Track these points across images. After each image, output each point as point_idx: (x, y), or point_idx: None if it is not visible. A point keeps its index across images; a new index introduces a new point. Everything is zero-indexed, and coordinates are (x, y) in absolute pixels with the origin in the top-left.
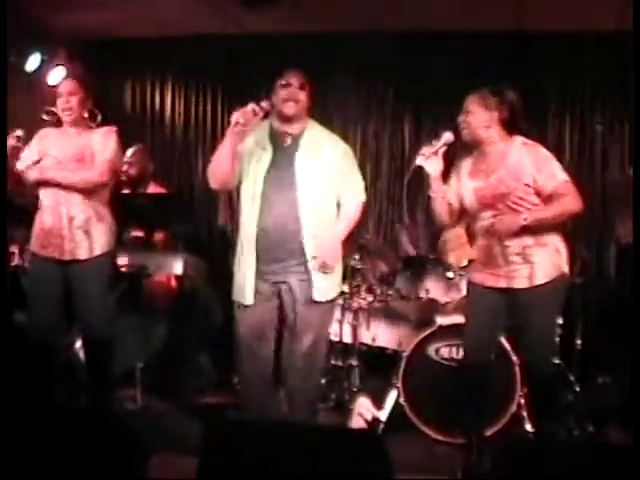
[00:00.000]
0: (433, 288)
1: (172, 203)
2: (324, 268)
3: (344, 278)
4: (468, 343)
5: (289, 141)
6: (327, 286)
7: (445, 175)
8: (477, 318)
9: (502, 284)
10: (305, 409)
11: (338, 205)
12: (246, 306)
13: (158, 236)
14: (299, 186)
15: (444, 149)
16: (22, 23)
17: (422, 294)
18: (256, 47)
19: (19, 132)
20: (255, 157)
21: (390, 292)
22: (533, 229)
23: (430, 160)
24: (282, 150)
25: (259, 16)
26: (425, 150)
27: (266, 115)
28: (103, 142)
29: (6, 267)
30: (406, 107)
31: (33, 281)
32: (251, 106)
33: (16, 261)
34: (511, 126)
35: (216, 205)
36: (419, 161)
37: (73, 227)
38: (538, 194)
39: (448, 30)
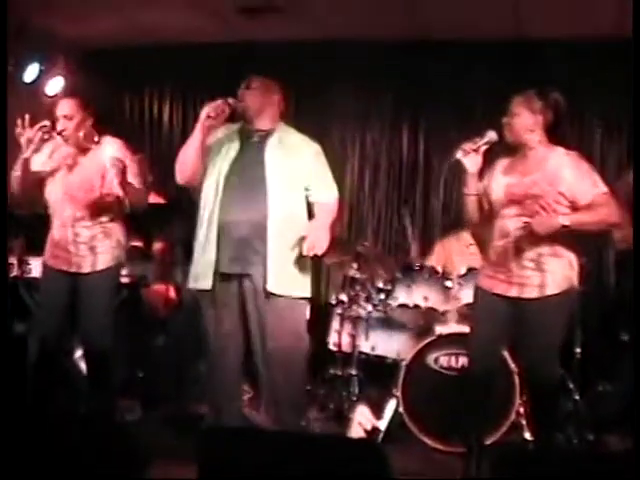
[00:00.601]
0: (432, 297)
1: (170, 213)
2: (313, 252)
3: (342, 287)
4: (473, 351)
5: (256, 138)
6: (287, 280)
7: (481, 174)
8: (483, 326)
9: (512, 293)
10: (289, 415)
11: (309, 206)
12: (205, 291)
13: (157, 246)
14: (268, 180)
15: (485, 147)
16: (21, 33)
17: (421, 303)
18: (253, 56)
19: (46, 122)
20: (222, 152)
21: (389, 301)
22: (553, 238)
23: (470, 156)
24: (250, 146)
25: (258, 25)
26: (466, 146)
27: (232, 117)
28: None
29: (7, 274)
30: (404, 115)
31: (44, 291)
32: (221, 100)
33: (15, 272)
34: (554, 131)
35: None
36: (459, 155)
37: (77, 242)
38: (572, 204)
39: (447, 38)
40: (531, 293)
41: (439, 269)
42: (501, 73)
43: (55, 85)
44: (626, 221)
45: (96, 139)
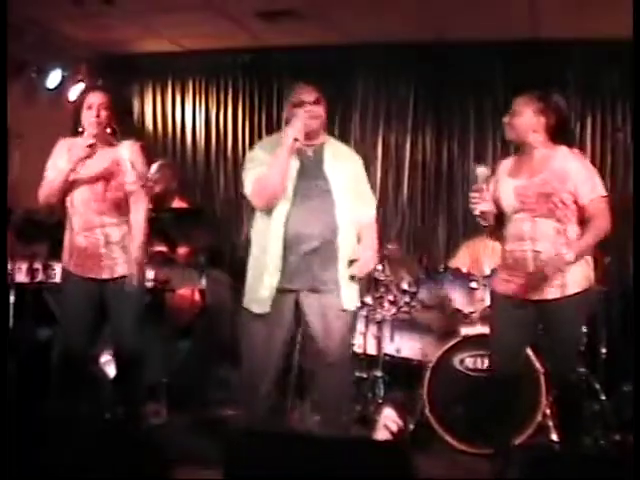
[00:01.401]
0: (457, 298)
1: (195, 218)
2: (362, 272)
3: (367, 290)
4: (496, 356)
5: (310, 152)
6: (354, 294)
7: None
8: (504, 330)
9: (533, 296)
10: (338, 423)
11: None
12: (260, 315)
13: (181, 251)
14: (334, 195)
15: (486, 187)
16: (43, 39)
17: (446, 304)
18: (275, 60)
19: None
20: None
21: (413, 303)
22: (567, 237)
23: (481, 203)
24: (307, 161)
25: (277, 29)
26: (474, 198)
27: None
28: (126, 155)
29: (6, 271)
30: (427, 117)
31: (67, 298)
32: (301, 122)
33: (40, 277)
34: (556, 134)
35: (238, 219)
36: (480, 208)
37: (110, 245)
38: (576, 203)
39: (466, 40)
40: (553, 294)
41: (464, 270)
42: (520, 73)
43: (77, 91)
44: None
45: (117, 139)
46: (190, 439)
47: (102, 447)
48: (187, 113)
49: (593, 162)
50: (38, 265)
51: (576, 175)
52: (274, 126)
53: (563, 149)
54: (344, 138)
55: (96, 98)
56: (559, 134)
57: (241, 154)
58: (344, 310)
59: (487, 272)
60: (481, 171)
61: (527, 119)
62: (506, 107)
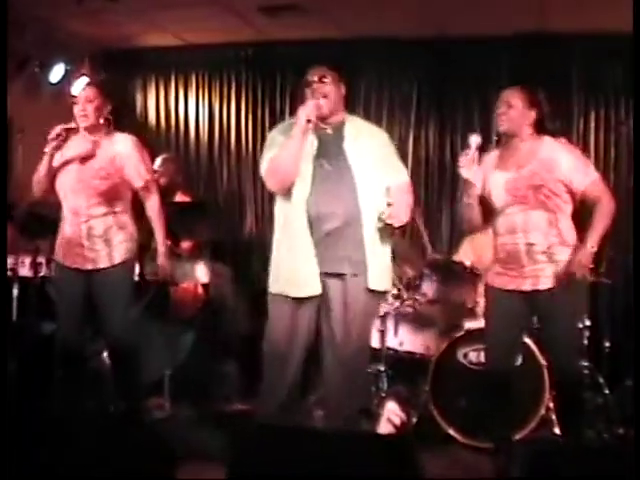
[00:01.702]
0: (460, 292)
1: (198, 211)
2: (393, 219)
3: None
4: (491, 349)
5: (330, 131)
6: (384, 275)
7: None
8: (499, 323)
9: (527, 286)
10: (348, 418)
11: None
12: (311, 297)
13: (184, 244)
14: (355, 173)
15: (477, 153)
16: (45, 34)
17: (449, 298)
18: (278, 54)
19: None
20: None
21: (417, 297)
22: (558, 227)
23: (469, 169)
24: (326, 139)
25: (280, 23)
26: (462, 161)
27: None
28: (130, 152)
29: (6, 269)
30: (430, 112)
31: (58, 290)
32: (314, 102)
33: (44, 271)
34: (539, 127)
35: (241, 213)
36: (464, 174)
37: (92, 237)
38: (570, 192)
39: (470, 34)
40: (546, 284)
41: (467, 264)
42: (525, 67)
43: (80, 85)
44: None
45: (112, 130)
46: (194, 433)
47: (105, 440)
48: (190, 107)
49: (596, 156)
50: (41, 259)
51: (566, 164)
52: (277, 120)
53: (547, 139)
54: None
55: (82, 92)
56: (544, 127)
57: (244, 148)
58: (371, 291)
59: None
60: (474, 139)
61: (520, 111)
62: None
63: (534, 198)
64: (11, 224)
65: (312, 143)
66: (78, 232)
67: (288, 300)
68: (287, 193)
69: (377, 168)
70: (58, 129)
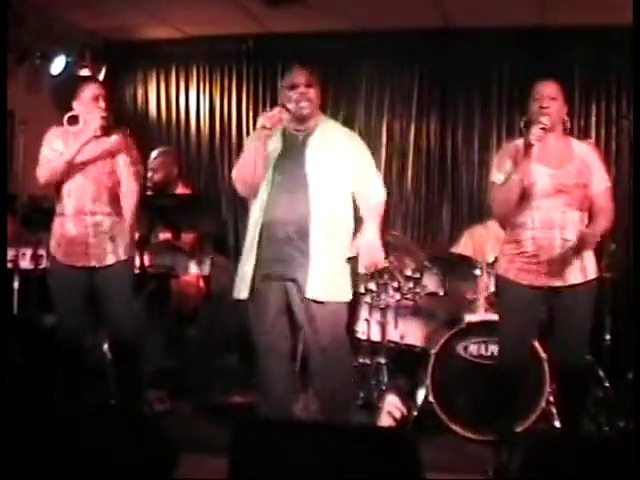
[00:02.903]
0: (460, 285)
1: (199, 204)
2: (374, 268)
3: (371, 276)
4: (505, 344)
5: (300, 137)
6: (330, 285)
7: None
8: (516, 318)
9: (557, 283)
10: (336, 410)
11: (354, 202)
12: (241, 301)
13: (185, 237)
14: (310, 182)
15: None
16: (46, 26)
17: (449, 291)
18: (279, 47)
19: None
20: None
21: (417, 290)
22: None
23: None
24: (293, 147)
25: (282, 15)
26: (536, 130)
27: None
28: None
29: (6, 267)
30: (431, 103)
31: (57, 286)
32: (278, 109)
33: (44, 264)
34: (565, 126)
35: (242, 205)
36: (534, 144)
37: (99, 233)
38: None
39: (472, 26)
40: (575, 279)
41: (467, 257)
42: (526, 61)
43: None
44: None
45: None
46: (194, 426)
47: (106, 434)
48: (191, 100)
49: (597, 149)
50: (42, 252)
51: (594, 166)
52: None
53: (574, 140)
54: (348, 124)
55: (101, 90)
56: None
57: (245, 141)
58: (313, 300)
59: (490, 259)
60: (544, 119)
61: (561, 106)
62: (510, 93)
63: (577, 196)
64: (12, 216)
65: (276, 148)
66: (84, 231)
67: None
68: (255, 197)
69: (341, 176)
70: (97, 124)
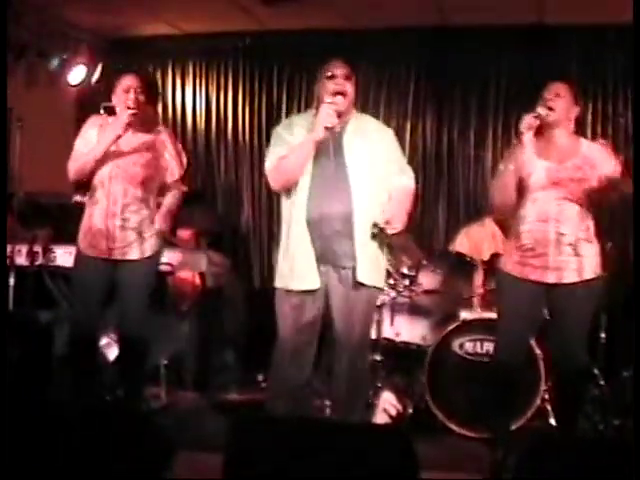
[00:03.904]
0: (456, 282)
1: (195, 201)
2: (388, 225)
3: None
4: (503, 338)
5: (337, 129)
6: (374, 269)
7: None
8: (514, 312)
9: (550, 279)
10: (353, 410)
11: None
12: (307, 291)
13: (182, 234)
14: (350, 173)
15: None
16: (45, 23)
17: (445, 289)
18: (275, 44)
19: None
20: None
21: (413, 287)
22: (587, 222)
23: (529, 132)
24: (329, 139)
25: (279, 13)
26: (527, 123)
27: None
28: (167, 144)
29: (6, 266)
30: (427, 102)
31: (79, 280)
32: (334, 109)
33: (40, 260)
34: (578, 126)
35: (238, 203)
36: (525, 135)
37: (126, 229)
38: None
39: (469, 23)
40: (571, 277)
41: (463, 255)
42: (524, 59)
43: (78, 74)
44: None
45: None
46: (191, 422)
47: (102, 430)
48: (187, 97)
49: (610, 149)
50: (38, 248)
51: (598, 161)
52: (274, 110)
53: (585, 140)
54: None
55: (133, 81)
56: (579, 127)
57: (241, 138)
58: (361, 284)
59: (486, 257)
60: (541, 110)
61: (568, 104)
62: (507, 91)
63: (573, 190)
64: (9, 213)
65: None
66: (112, 223)
67: (292, 294)
68: (289, 192)
69: (378, 167)
70: (125, 119)
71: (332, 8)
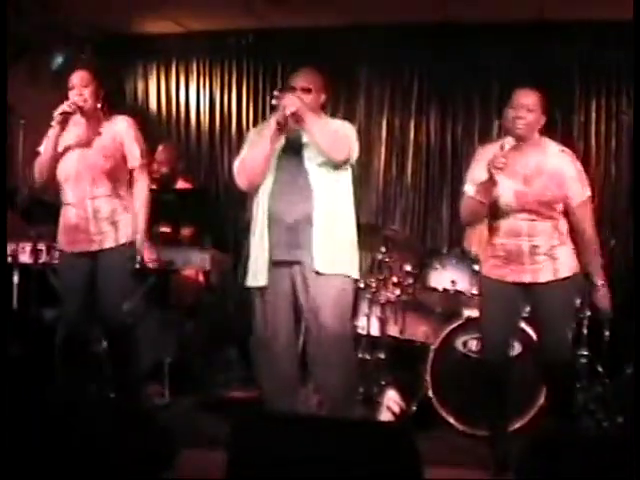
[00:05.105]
0: (460, 280)
1: (199, 199)
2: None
3: (371, 271)
4: (486, 339)
5: (299, 130)
6: (334, 259)
7: None
8: (495, 313)
9: (527, 278)
10: (340, 407)
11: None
12: (261, 288)
13: (185, 231)
14: (307, 162)
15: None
16: (46, 20)
17: (449, 286)
18: (279, 41)
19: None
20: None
21: (417, 285)
22: (560, 230)
23: (503, 171)
24: (293, 136)
25: (282, 10)
26: (498, 162)
27: None
28: (127, 131)
29: (6, 266)
30: (431, 99)
31: (63, 277)
32: (285, 106)
33: (44, 258)
34: (543, 130)
35: (242, 200)
36: (497, 176)
37: (99, 220)
38: (565, 204)
39: (472, 20)
40: (546, 277)
41: (467, 252)
42: (526, 56)
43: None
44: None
45: (110, 113)
46: (193, 420)
47: (105, 428)
48: (191, 94)
49: (597, 145)
50: (42, 246)
51: (571, 177)
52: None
53: (552, 146)
54: (349, 120)
55: (77, 78)
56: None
57: (245, 135)
58: (318, 273)
59: None
60: (509, 140)
61: (538, 116)
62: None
63: (543, 211)
64: (12, 210)
65: (281, 141)
66: (84, 216)
67: (259, 291)
68: (256, 191)
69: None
70: (61, 111)
71: (336, 5)
